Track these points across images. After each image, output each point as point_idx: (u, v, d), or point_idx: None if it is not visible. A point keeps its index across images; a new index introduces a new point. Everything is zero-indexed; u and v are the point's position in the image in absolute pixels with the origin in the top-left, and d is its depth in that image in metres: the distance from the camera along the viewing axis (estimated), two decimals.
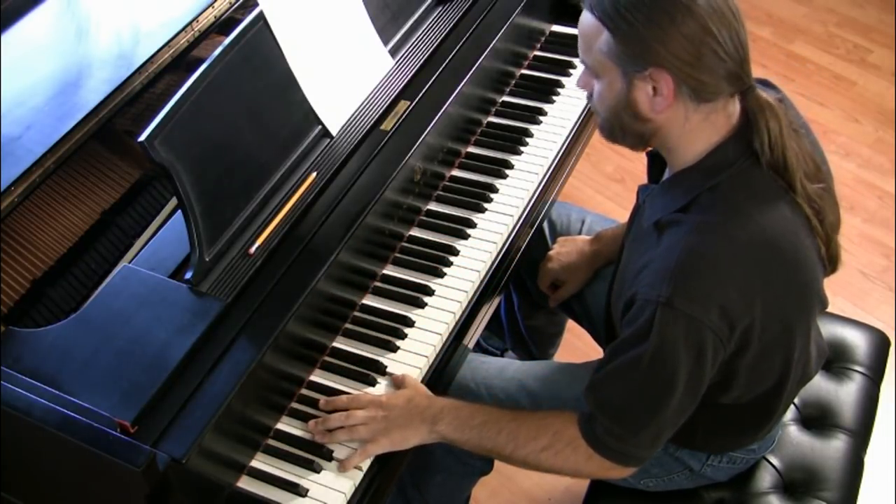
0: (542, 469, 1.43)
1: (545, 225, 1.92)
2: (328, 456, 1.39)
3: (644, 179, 1.57)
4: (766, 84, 1.39)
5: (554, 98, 1.95)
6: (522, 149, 1.85)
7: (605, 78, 1.31)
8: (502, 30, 1.84)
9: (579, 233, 1.91)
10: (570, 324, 2.15)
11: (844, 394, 1.77)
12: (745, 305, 1.28)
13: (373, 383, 1.48)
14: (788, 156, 1.30)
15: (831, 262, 1.42)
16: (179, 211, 1.38)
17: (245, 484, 1.35)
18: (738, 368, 1.36)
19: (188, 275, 1.37)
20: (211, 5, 1.75)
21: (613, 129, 1.36)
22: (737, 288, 1.28)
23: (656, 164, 1.51)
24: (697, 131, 1.31)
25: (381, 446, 1.41)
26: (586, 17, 1.30)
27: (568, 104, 1.94)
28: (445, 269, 1.64)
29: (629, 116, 1.32)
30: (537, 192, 1.79)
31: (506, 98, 1.95)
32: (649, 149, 1.46)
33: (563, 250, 1.83)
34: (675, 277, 1.26)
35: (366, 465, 1.39)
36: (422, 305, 1.58)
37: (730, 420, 1.51)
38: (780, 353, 1.40)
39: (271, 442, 1.40)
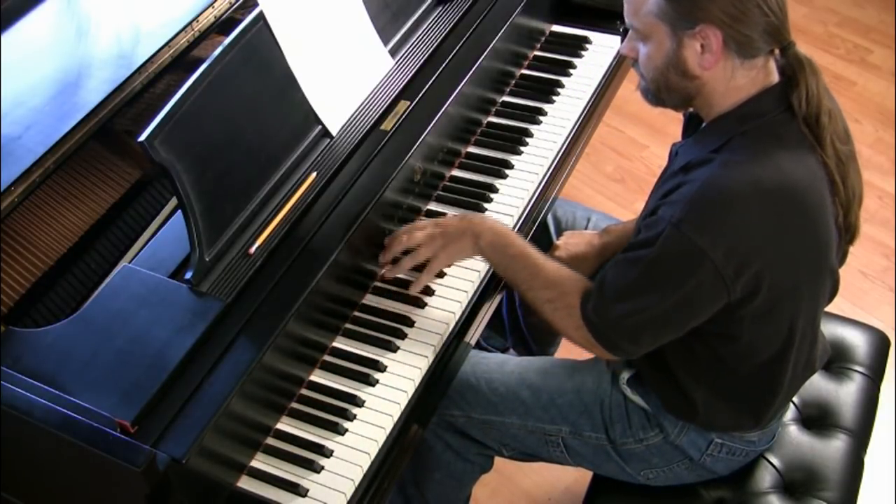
0: (542, 315, 1.55)
1: (550, 222, 1.94)
2: (328, 455, 1.39)
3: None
4: None
5: (554, 98, 1.95)
6: (522, 149, 1.85)
7: (654, 39, 1.37)
8: (502, 30, 1.85)
9: (585, 229, 1.92)
10: None
11: (844, 394, 1.77)
12: (755, 248, 1.33)
13: (373, 383, 1.48)
14: (822, 112, 1.36)
15: (848, 234, 1.46)
16: (179, 211, 1.38)
17: (245, 484, 1.35)
18: (744, 319, 1.40)
19: (188, 275, 1.37)
20: (211, 5, 1.76)
21: (660, 90, 1.42)
22: (750, 228, 1.32)
23: (692, 124, 1.55)
24: (739, 87, 1.37)
25: (440, 261, 1.57)
26: None
27: (568, 104, 1.94)
28: (446, 269, 1.64)
29: (677, 75, 1.38)
30: (537, 192, 1.79)
31: (506, 98, 1.95)
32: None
33: (571, 241, 1.84)
34: (690, 204, 1.33)
35: (366, 463, 1.39)
36: (422, 305, 1.58)
37: (732, 391, 1.52)
38: (787, 312, 1.42)
39: (271, 442, 1.40)
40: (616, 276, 1.43)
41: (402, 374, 1.50)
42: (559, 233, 1.92)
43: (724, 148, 1.37)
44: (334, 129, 1.61)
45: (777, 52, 1.37)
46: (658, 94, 1.43)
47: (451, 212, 1.72)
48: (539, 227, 1.83)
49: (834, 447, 1.69)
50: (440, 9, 1.87)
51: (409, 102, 1.67)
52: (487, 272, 1.66)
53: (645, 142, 3.08)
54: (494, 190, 1.77)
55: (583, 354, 1.62)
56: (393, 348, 1.52)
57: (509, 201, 1.75)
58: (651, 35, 1.37)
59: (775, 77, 1.39)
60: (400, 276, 1.59)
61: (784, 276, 1.37)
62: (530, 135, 1.87)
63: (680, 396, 1.54)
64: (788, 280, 1.38)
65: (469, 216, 1.60)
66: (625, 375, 1.61)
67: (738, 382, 1.51)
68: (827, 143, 1.37)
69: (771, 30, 1.32)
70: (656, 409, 1.59)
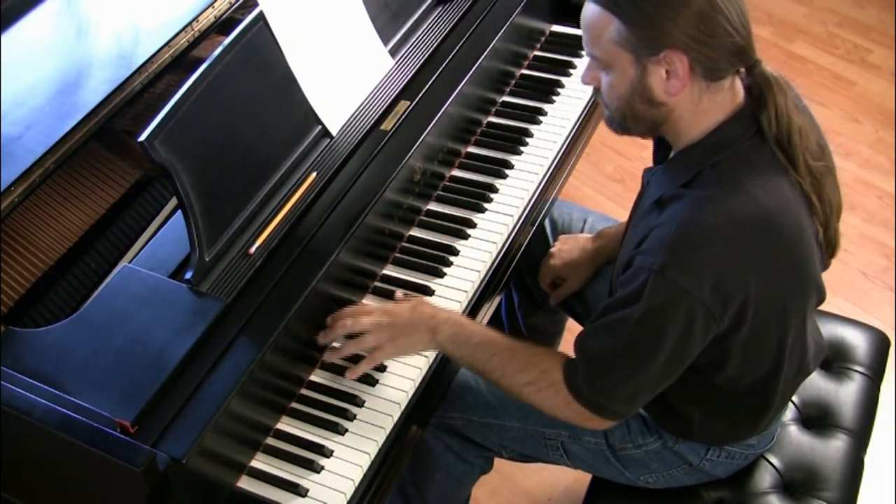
0: (524, 401, 1.46)
1: (547, 224, 1.93)
2: (328, 455, 1.39)
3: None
4: None
5: (554, 98, 1.95)
6: (522, 149, 1.85)
7: (617, 68, 1.32)
8: (502, 30, 1.84)
9: (581, 231, 1.92)
10: (570, 323, 2.15)
11: (844, 394, 1.77)
12: (739, 281, 1.30)
13: (372, 383, 1.48)
14: (793, 130, 1.32)
15: (829, 248, 1.43)
16: (179, 211, 1.38)
17: (245, 484, 1.35)
18: (732, 347, 1.37)
19: (188, 275, 1.37)
20: (211, 5, 1.75)
21: (625, 119, 1.37)
22: (732, 262, 1.29)
23: (662, 146, 1.52)
24: (706, 112, 1.33)
25: (386, 353, 1.46)
26: (591, 10, 1.31)
27: (568, 104, 1.94)
28: (445, 270, 1.64)
29: (643, 103, 1.33)
30: (537, 192, 1.79)
31: (506, 98, 1.95)
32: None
33: (564, 247, 1.84)
34: (670, 247, 1.28)
35: (366, 463, 1.39)
36: None
37: (726, 408, 1.51)
38: (775, 336, 1.40)
39: (271, 442, 1.40)
40: (603, 342, 1.35)
41: (403, 375, 1.50)
42: (556, 234, 1.92)
43: (694, 182, 1.33)
44: (334, 129, 1.61)
45: (743, 71, 1.33)
46: (623, 122, 1.38)
47: (450, 212, 1.73)
48: (538, 228, 1.83)
49: (834, 447, 1.69)
50: (440, 9, 1.87)
51: (409, 102, 1.67)
52: (487, 273, 1.66)
53: (645, 141, 3.07)
54: (494, 190, 1.77)
55: None
56: None
57: (509, 201, 1.75)
58: (613, 64, 1.31)
59: (741, 98, 1.34)
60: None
61: (769, 303, 1.34)
62: (530, 135, 1.87)
63: (676, 418, 1.53)
64: (774, 306, 1.36)
65: (420, 307, 1.48)
66: None
67: (732, 401, 1.49)
68: (800, 163, 1.33)
69: (736, 50, 1.28)
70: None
